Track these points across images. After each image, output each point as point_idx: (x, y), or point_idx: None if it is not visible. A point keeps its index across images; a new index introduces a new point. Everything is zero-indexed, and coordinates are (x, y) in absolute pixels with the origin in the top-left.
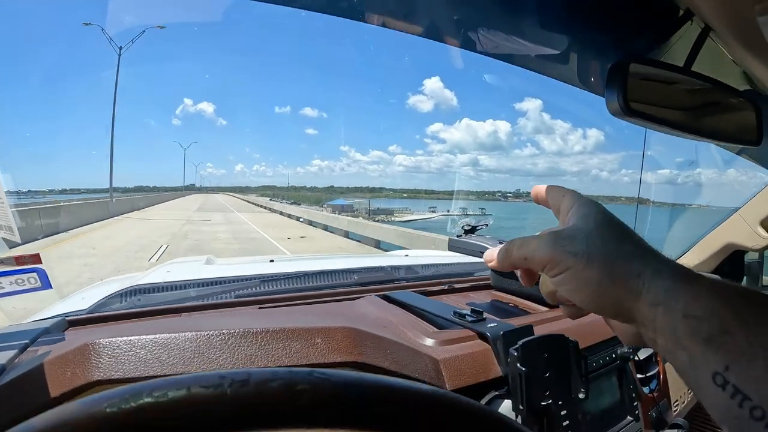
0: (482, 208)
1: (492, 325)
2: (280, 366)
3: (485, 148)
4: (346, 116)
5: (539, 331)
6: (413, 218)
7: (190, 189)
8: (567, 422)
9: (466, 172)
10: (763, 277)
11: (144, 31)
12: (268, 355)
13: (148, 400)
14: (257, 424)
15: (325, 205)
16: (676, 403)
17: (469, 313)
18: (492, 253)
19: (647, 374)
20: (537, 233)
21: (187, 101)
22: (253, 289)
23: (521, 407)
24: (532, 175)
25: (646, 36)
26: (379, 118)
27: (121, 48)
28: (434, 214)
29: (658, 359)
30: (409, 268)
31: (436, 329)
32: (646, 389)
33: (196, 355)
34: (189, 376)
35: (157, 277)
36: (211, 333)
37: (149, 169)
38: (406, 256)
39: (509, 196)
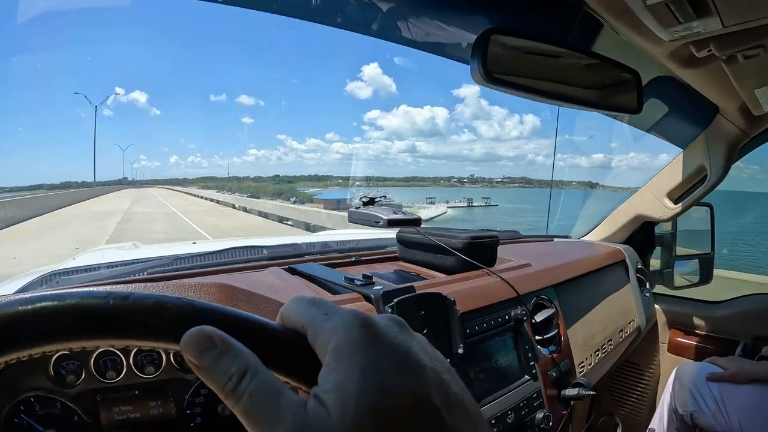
0: (486, 198)
1: (377, 287)
2: None
3: (423, 134)
4: (283, 104)
5: (422, 292)
6: (435, 214)
7: (122, 183)
8: None
9: (403, 159)
10: (676, 248)
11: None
12: None
13: (51, 303)
14: (130, 331)
15: (316, 200)
16: (581, 365)
17: (359, 278)
18: None
19: (545, 336)
20: None
21: (119, 90)
22: (165, 266)
23: None
24: (470, 160)
25: (522, 8)
26: (317, 106)
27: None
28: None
29: (559, 322)
30: (323, 244)
31: (330, 294)
32: (545, 350)
33: None
34: (84, 290)
35: (81, 261)
36: None
37: (78, 164)
38: (326, 234)
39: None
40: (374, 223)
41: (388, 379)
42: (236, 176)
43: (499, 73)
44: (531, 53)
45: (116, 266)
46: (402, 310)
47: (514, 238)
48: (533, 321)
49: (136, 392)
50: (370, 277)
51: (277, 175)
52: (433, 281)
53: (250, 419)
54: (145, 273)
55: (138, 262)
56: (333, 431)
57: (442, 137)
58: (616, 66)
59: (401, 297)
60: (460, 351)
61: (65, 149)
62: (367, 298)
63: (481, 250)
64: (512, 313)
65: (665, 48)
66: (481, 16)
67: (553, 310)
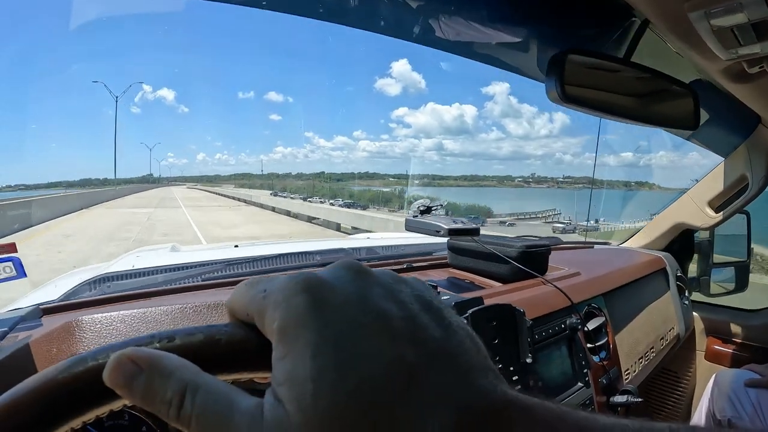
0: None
1: (445, 297)
2: None
3: (451, 132)
4: (312, 101)
5: (489, 302)
6: None
7: (147, 181)
8: (518, 387)
9: (429, 157)
10: (713, 255)
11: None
12: None
13: (92, 363)
14: None
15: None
16: (627, 372)
17: None
18: None
19: (596, 344)
20: None
21: (146, 87)
22: (218, 272)
23: None
24: (496, 159)
25: (588, 28)
26: (345, 103)
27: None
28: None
29: (608, 330)
30: (369, 249)
31: None
32: (596, 358)
33: (172, 325)
34: (125, 340)
35: (125, 265)
36: (184, 305)
37: (102, 161)
38: (368, 238)
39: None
40: (435, 232)
41: (344, 352)
42: (275, 173)
43: (573, 93)
44: (600, 71)
45: (166, 271)
46: (475, 321)
47: (556, 244)
48: (586, 329)
49: None
50: (436, 287)
51: (323, 172)
52: (492, 290)
53: None
54: (199, 279)
55: (188, 267)
56: None
57: (470, 135)
58: (674, 82)
59: (474, 308)
60: (529, 360)
61: (89, 146)
62: None
63: (534, 259)
64: (567, 322)
65: (719, 64)
66: (550, 35)
67: (603, 318)
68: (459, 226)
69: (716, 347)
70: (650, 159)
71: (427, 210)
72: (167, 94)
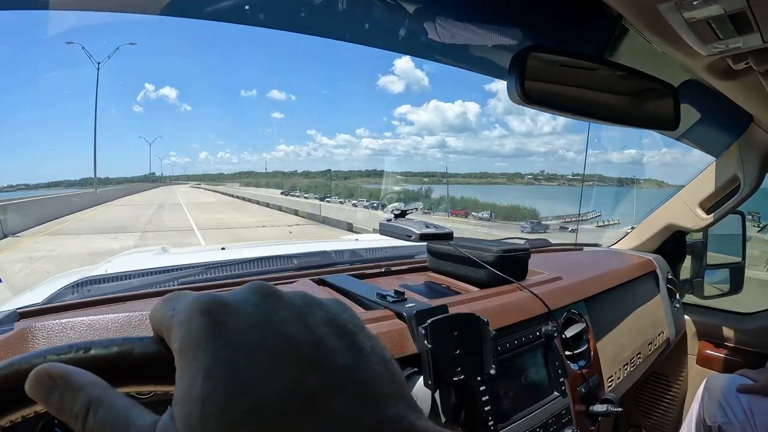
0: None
1: (411, 305)
2: None
3: (454, 129)
4: (314, 98)
5: (458, 310)
6: None
7: (150, 180)
8: (486, 397)
9: (432, 154)
10: (707, 257)
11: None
12: None
13: (17, 367)
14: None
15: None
16: (610, 379)
17: (392, 294)
18: None
19: (575, 351)
20: None
21: (149, 86)
22: (197, 276)
23: (429, 382)
24: (499, 156)
25: (559, 25)
26: (348, 100)
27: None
28: None
29: (589, 337)
30: (352, 252)
31: (363, 310)
32: (575, 366)
33: (118, 335)
34: (46, 349)
35: (110, 268)
36: (141, 314)
37: (106, 160)
38: (356, 240)
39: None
40: (406, 237)
41: (237, 375)
42: (280, 171)
43: (536, 92)
44: (568, 69)
45: (147, 274)
46: (435, 330)
47: (544, 246)
48: (563, 336)
49: None
50: (403, 293)
51: (329, 170)
52: (465, 296)
53: None
54: (176, 283)
55: (169, 271)
56: None
57: (473, 132)
58: (653, 81)
59: (435, 318)
60: (492, 372)
61: (89, 145)
62: (400, 317)
63: (512, 264)
64: (543, 329)
65: (702, 61)
66: (517, 31)
67: (584, 324)
68: (431, 231)
69: (708, 351)
70: (653, 156)
71: (402, 214)
72: (169, 92)
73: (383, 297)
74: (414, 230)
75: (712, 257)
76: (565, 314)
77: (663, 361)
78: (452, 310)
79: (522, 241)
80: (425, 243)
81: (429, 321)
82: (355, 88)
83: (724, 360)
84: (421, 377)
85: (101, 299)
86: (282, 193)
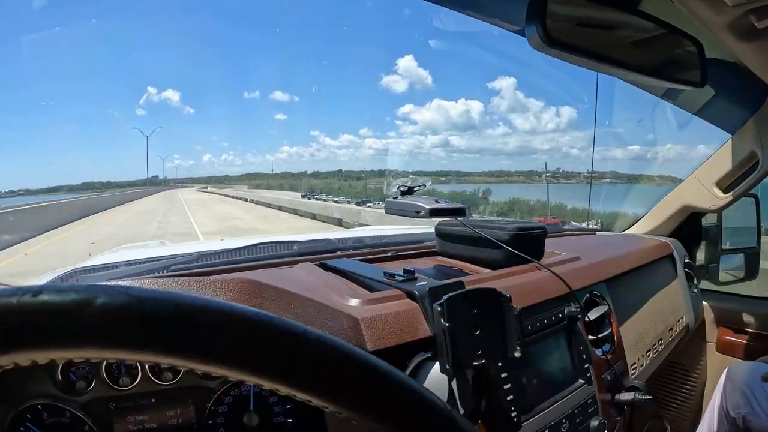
0: None
1: (422, 283)
2: None
3: (457, 128)
4: (318, 99)
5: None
6: None
7: (153, 183)
8: (509, 385)
9: (436, 154)
10: (722, 241)
11: None
12: None
13: None
14: (46, 340)
15: None
16: (633, 366)
17: (401, 274)
18: None
19: (599, 336)
20: None
21: (151, 89)
22: (190, 263)
23: (447, 367)
24: (503, 154)
25: None
26: (351, 100)
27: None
28: None
29: (612, 320)
30: (356, 239)
31: (368, 292)
32: (598, 351)
33: None
34: None
35: (104, 259)
36: None
37: (109, 163)
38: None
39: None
40: (414, 213)
41: None
42: (288, 172)
43: (559, 36)
44: (591, 16)
45: (138, 263)
46: (453, 307)
47: (558, 230)
48: (587, 319)
49: (153, 400)
50: (413, 272)
51: (340, 170)
52: (479, 276)
53: None
54: (168, 270)
55: (161, 260)
56: None
57: (476, 131)
58: (680, 34)
59: (451, 293)
60: (517, 354)
61: (92, 149)
62: (411, 296)
63: (529, 243)
64: (565, 311)
65: (725, 16)
66: None
67: (606, 307)
68: (442, 205)
69: (728, 338)
70: (657, 151)
71: (409, 191)
72: (172, 95)
73: (391, 276)
74: (423, 205)
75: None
76: (587, 296)
77: (681, 349)
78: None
79: None
80: (433, 224)
81: (445, 297)
82: (358, 88)
83: (745, 346)
84: (437, 363)
85: None
86: (303, 196)
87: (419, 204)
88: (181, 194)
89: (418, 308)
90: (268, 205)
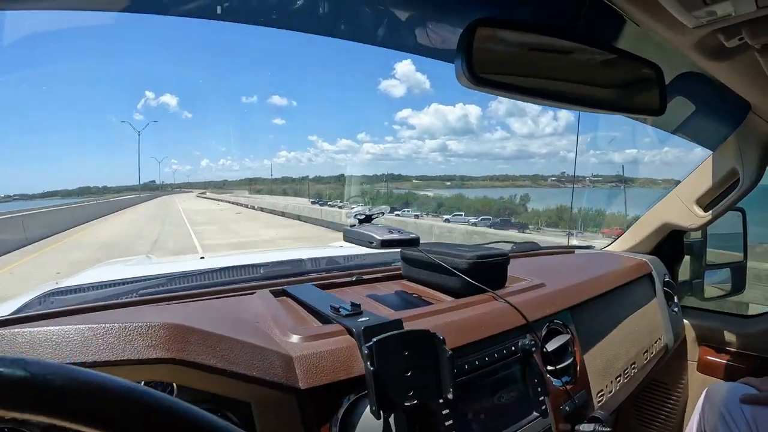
0: None
1: (363, 319)
2: (75, 362)
3: (455, 132)
4: (316, 104)
5: (424, 322)
6: None
7: (150, 188)
8: (450, 422)
9: (434, 158)
10: (706, 256)
11: None
12: (82, 350)
13: None
14: None
15: None
16: (600, 393)
17: (346, 307)
18: None
19: (558, 366)
20: None
21: (149, 94)
22: (157, 287)
23: (374, 408)
24: (501, 158)
25: None
26: (349, 105)
27: None
28: None
29: (576, 348)
30: (329, 259)
31: (319, 324)
32: (558, 382)
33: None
34: None
35: (84, 278)
36: (78, 327)
37: (106, 168)
38: (341, 247)
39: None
40: (368, 243)
41: None
42: (289, 177)
43: (489, 73)
44: (529, 48)
45: (106, 286)
46: (383, 349)
47: (532, 250)
48: (544, 350)
49: None
50: (358, 306)
51: (342, 175)
52: (433, 308)
53: None
54: (137, 294)
55: (135, 281)
56: None
57: (474, 135)
58: (633, 59)
59: (380, 336)
60: (450, 396)
61: (89, 153)
62: (350, 332)
63: (487, 271)
64: (520, 344)
65: (690, 37)
66: (473, 7)
67: (569, 336)
68: (394, 236)
69: (709, 357)
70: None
71: (367, 219)
72: (170, 100)
73: (336, 310)
74: (375, 236)
75: (713, 256)
76: (547, 325)
77: (663, 367)
78: (417, 324)
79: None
80: (388, 250)
81: (374, 339)
82: (356, 93)
83: (726, 366)
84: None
85: (61, 311)
86: (313, 203)
87: (372, 234)
88: (179, 202)
89: (356, 345)
90: (284, 214)
